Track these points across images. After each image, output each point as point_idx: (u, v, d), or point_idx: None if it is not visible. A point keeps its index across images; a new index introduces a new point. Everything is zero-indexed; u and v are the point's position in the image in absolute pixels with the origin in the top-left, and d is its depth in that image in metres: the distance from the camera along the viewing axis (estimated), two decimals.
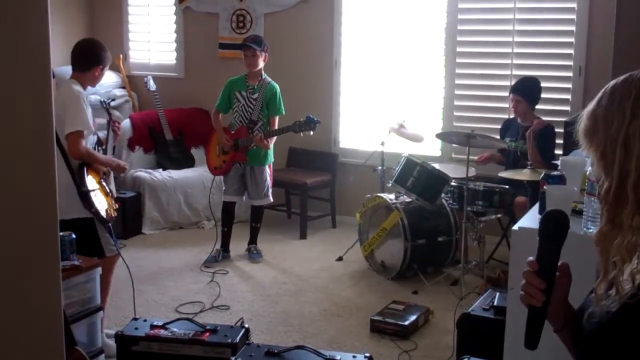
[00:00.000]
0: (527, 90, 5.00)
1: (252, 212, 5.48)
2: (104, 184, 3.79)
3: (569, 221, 1.38)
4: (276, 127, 5.21)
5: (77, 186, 3.61)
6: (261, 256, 5.37)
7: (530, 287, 1.37)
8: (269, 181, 5.34)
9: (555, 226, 1.37)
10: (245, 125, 5.20)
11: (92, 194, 3.64)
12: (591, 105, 1.34)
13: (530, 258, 1.38)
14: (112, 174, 3.94)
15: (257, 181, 5.26)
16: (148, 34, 7.14)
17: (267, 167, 5.31)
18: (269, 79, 5.25)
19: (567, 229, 1.37)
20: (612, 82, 1.33)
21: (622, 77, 1.32)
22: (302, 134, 5.02)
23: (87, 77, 3.78)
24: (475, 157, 5.10)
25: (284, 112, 5.26)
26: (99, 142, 3.90)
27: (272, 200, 5.42)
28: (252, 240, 5.46)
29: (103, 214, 3.71)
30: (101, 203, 3.72)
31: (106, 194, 3.79)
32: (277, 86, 5.24)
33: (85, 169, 3.66)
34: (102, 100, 4.45)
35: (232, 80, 5.32)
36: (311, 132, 5.00)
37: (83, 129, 3.61)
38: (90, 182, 3.68)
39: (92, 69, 3.77)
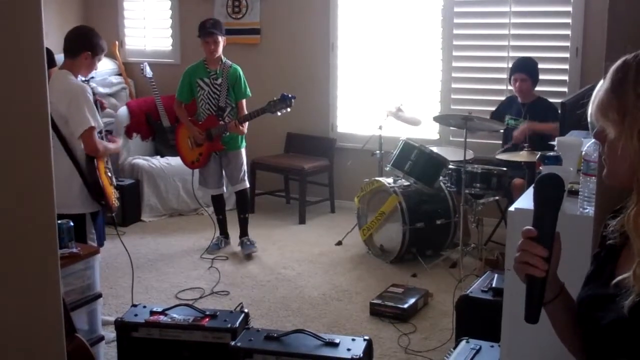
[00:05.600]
0: (531, 69, 5.06)
1: (237, 203, 5.32)
2: (109, 174, 3.79)
3: (564, 183, 1.33)
4: (245, 111, 5.04)
5: (85, 179, 3.61)
6: (254, 246, 5.18)
7: (531, 256, 1.30)
8: (244, 166, 5.20)
9: (553, 189, 1.31)
10: (214, 114, 5.01)
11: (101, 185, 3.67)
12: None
13: (527, 227, 1.32)
14: (109, 161, 3.91)
15: (233, 166, 5.12)
16: (144, 20, 7.10)
17: (242, 150, 5.16)
18: (230, 62, 5.07)
19: (563, 192, 1.33)
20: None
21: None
22: (279, 114, 4.85)
23: (76, 64, 3.68)
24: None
25: (250, 95, 5.12)
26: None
27: (248, 185, 5.24)
28: (243, 233, 5.24)
29: (109, 204, 3.74)
30: (110, 194, 3.76)
31: (110, 184, 3.79)
32: (239, 68, 5.07)
33: (95, 160, 3.64)
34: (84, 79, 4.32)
35: (191, 68, 5.12)
36: (288, 109, 4.83)
37: (95, 124, 3.57)
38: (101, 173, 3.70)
39: (80, 54, 3.66)
